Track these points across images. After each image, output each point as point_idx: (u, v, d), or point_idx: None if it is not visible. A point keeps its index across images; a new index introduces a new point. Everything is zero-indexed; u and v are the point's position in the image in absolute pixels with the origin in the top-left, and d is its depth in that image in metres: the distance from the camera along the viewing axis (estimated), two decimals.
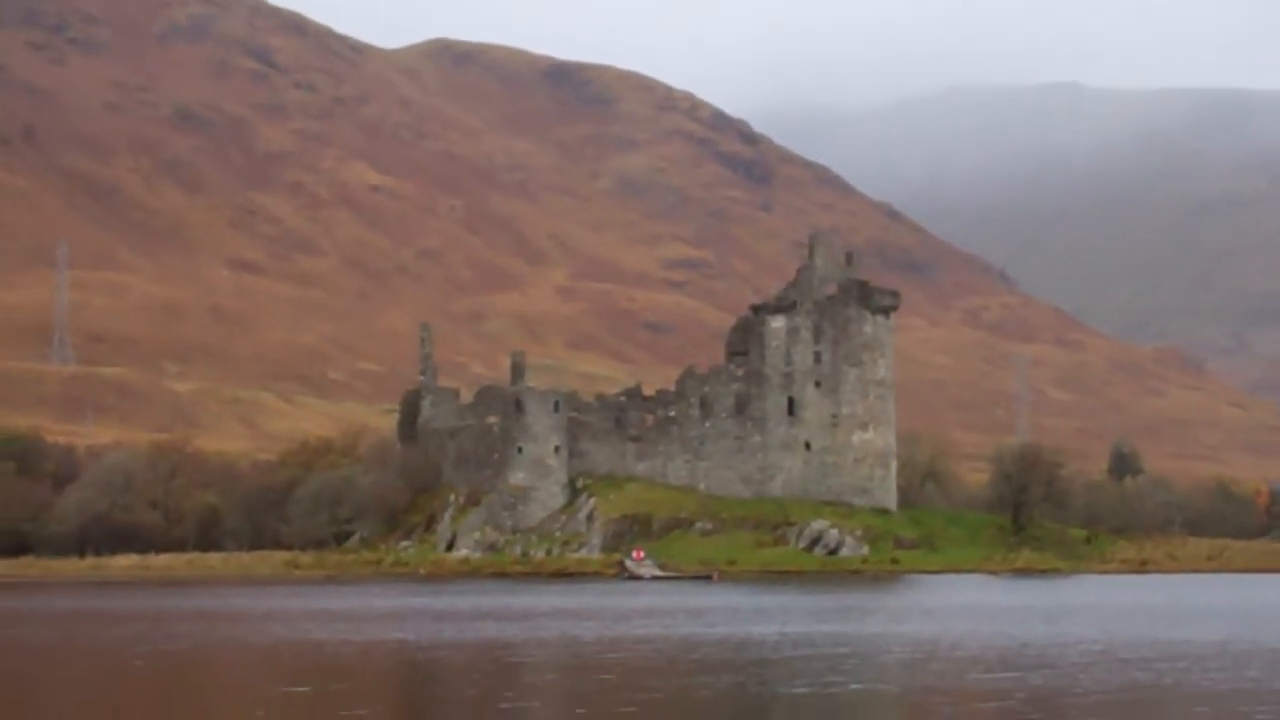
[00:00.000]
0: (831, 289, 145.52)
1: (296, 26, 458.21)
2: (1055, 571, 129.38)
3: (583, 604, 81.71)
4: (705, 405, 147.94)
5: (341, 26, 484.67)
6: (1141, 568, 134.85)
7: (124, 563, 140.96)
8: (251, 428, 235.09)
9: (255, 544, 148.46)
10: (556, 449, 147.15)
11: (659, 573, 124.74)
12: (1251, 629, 57.99)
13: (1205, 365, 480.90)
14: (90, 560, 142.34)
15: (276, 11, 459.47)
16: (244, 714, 33.78)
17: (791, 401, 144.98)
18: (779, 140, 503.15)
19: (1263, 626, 59.44)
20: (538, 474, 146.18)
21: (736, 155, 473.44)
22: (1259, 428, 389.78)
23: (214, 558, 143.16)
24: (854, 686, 37.50)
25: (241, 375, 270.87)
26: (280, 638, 56.27)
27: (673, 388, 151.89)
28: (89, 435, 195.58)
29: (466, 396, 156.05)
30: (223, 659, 48.13)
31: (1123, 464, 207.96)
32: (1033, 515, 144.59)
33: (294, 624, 64.63)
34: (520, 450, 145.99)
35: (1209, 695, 35.60)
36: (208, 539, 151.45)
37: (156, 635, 58.51)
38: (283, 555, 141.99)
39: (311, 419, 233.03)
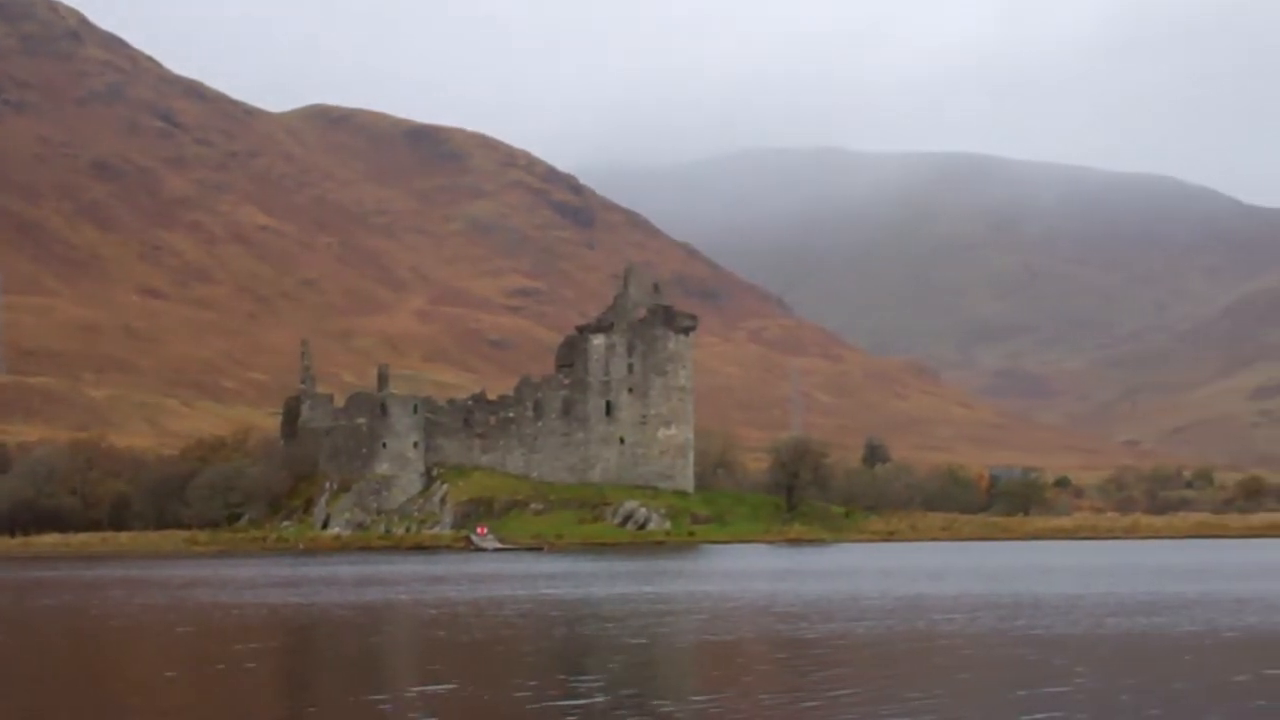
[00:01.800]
0: (642, 313, 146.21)
1: (197, 92, 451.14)
2: (820, 540, 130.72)
3: (449, 571, 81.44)
4: (538, 408, 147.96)
5: (235, 93, 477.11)
6: (889, 536, 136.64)
7: (48, 540, 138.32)
8: (157, 427, 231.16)
9: (159, 525, 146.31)
10: (415, 444, 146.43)
11: (499, 545, 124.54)
12: (980, 585, 59.12)
13: (939, 375, 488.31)
14: (19, 539, 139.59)
15: (180, 79, 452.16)
16: (161, 667, 33.33)
17: (609, 404, 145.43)
18: (600, 191, 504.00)
19: (988, 584, 60.64)
20: (399, 465, 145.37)
21: (566, 203, 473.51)
22: (982, 425, 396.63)
23: (124, 536, 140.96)
24: (686, 636, 37.75)
25: (148, 383, 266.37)
26: (198, 601, 55.59)
27: (512, 394, 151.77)
28: (18, 434, 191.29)
29: (339, 401, 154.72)
30: (149, 620, 47.27)
31: (874, 454, 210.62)
32: (803, 495, 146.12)
33: (213, 590, 63.81)
34: (384, 445, 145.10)
35: (958, 635, 36.30)
36: (119, 520, 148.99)
37: (104, 599, 57.68)
38: (183, 534, 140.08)
39: (208, 420, 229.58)
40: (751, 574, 71.99)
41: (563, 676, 28.61)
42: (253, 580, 74.53)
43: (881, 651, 33.36)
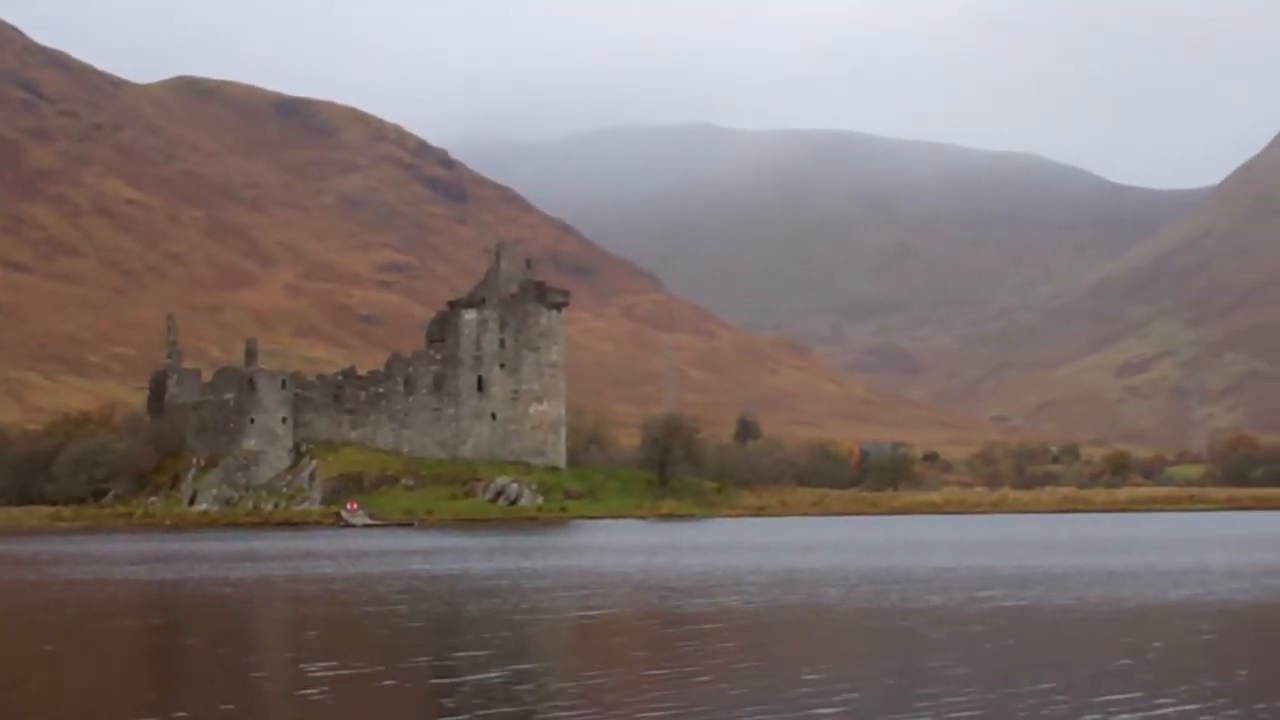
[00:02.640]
0: (514, 288, 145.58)
1: (61, 62, 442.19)
2: (693, 516, 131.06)
3: (322, 547, 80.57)
4: (409, 383, 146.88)
5: (101, 63, 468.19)
6: (760, 512, 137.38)
7: None
8: (21, 402, 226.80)
9: (23, 501, 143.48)
10: (284, 420, 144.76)
11: (369, 521, 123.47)
12: (853, 559, 59.45)
13: (810, 351, 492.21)
14: None
15: (43, 49, 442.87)
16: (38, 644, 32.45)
17: (480, 380, 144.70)
18: (471, 166, 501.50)
19: (861, 558, 61.02)
20: (267, 440, 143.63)
21: (437, 177, 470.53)
22: (852, 400, 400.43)
23: None
24: (579, 609, 37.46)
25: (11, 358, 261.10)
26: (70, 577, 54.33)
27: (382, 369, 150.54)
28: None
29: (207, 376, 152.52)
30: (20, 598, 46.10)
31: (746, 430, 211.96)
32: (675, 471, 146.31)
33: (84, 567, 62.44)
34: (252, 421, 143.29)
35: (836, 609, 36.37)
36: None
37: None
38: (47, 509, 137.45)
39: (73, 395, 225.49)
40: (627, 549, 71.92)
41: (450, 652, 28.20)
42: (125, 556, 73.23)
43: (763, 624, 33.33)
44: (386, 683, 24.04)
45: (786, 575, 49.44)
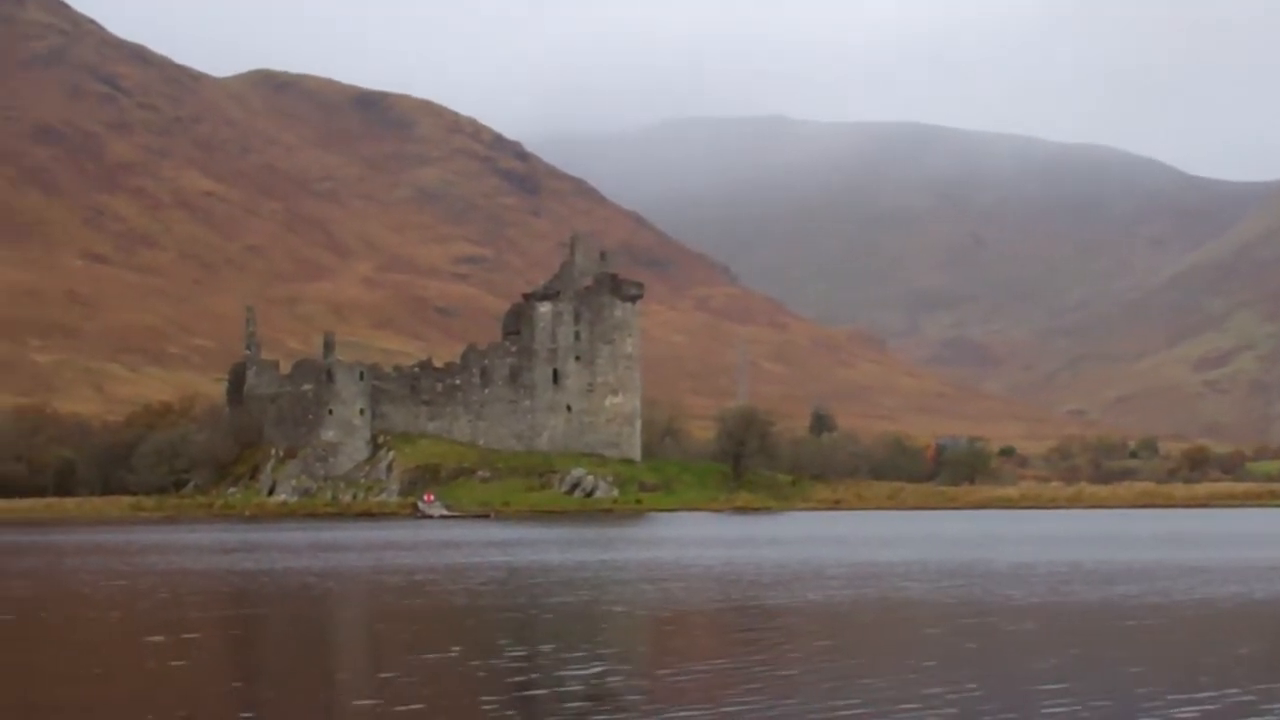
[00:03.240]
0: (589, 281, 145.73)
1: (141, 56, 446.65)
2: (767, 509, 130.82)
3: (404, 537, 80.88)
4: (485, 375, 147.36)
5: (180, 57, 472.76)
6: (835, 505, 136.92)
7: None
8: (102, 393, 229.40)
9: (105, 491, 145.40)
10: (361, 411, 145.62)
11: (446, 512, 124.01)
12: (929, 552, 59.11)
13: (885, 344, 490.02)
14: None
15: (123, 43, 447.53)
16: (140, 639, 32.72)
17: (555, 372, 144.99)
18: (546, 158, 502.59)
19: (939, 549, 60.66)
20: (345, 432, 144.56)
21: (512, 170, 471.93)
22: (928, 394, 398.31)
23: (70, 502, 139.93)
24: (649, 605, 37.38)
25: (93, 349, 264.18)
26: (166, 568, 54.83)
27: (458, 361, 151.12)
28: None
29: (285, 368, 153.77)
30: (116, 588, 46.46)
31: (820, 423, 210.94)
32: (749, 464, 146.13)
33: (173, 556, 63.03)
34: (330, 412, 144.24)
35: (913, 603, 36.10)
36: (64, 487, 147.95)
37: (69, 565, 56.75)
38: (129, 500, 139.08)
39: (153, 386, 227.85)
40: (705, 542, 71.72)
41: (540, 644, 28.16)
42: (210, 545, 73.85)
43: (848, 618, 33.14)
44: (501, 675, 23.99)
45: (868, 569, 49.16)
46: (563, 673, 23.98)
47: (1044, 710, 20.12)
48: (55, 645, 29.82)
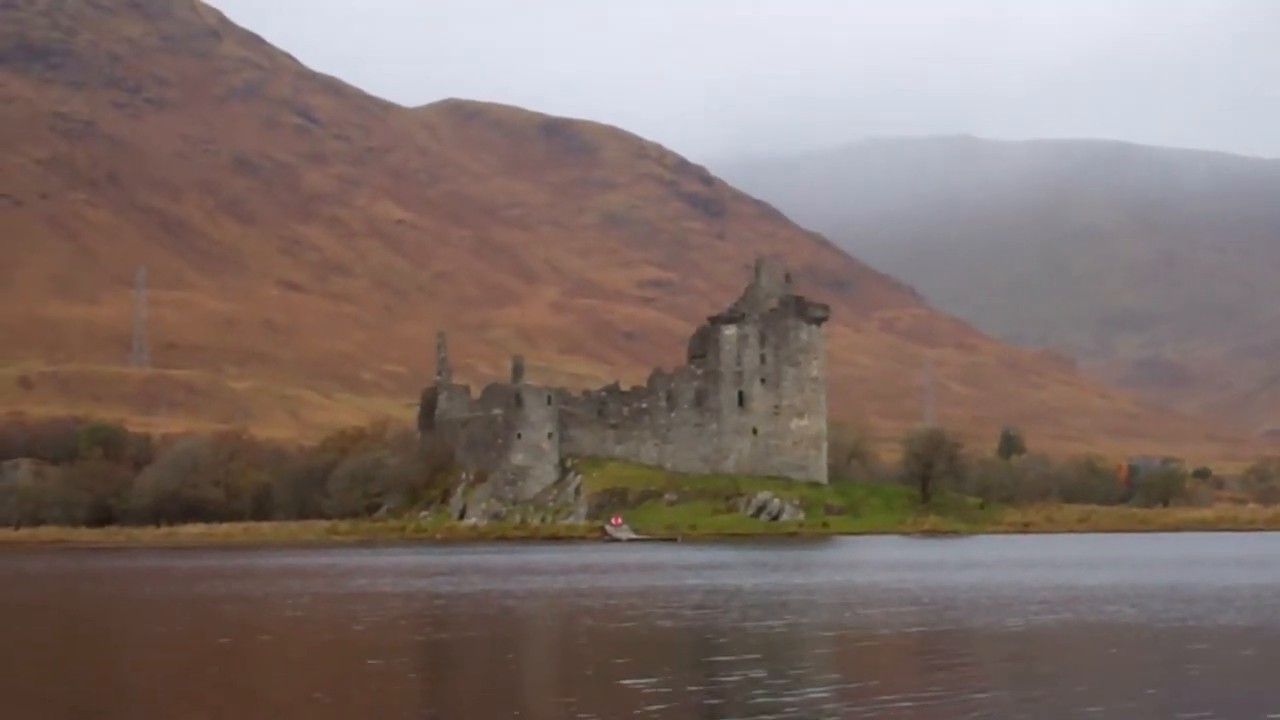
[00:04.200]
0: (774, 303, 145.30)
1: (334, 88, 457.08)
2: (956, 532, 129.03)
3: (594, 561, 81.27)
4: (671, 398, 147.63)
5: (371, 88, 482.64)
6: (1025, 528, 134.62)
7: (193, 530, 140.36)
8: (297, 419, 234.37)
9: (301, 515, 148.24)
10: (550, 435, 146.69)
11: (633, 535, 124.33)
12: (1131, 574, 57.94)
13: (1076, 364, 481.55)
14: (164, 529, 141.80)
15: (316, 75, 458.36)
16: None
17: (741, 395, 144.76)
18: (730, 182, 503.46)
19: (1137, 572, 59.41)
20: (534, 455, 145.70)
21: (696, 194, 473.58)
22: (1120, 415, 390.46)
23: (266, 526, 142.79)
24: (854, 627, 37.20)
25: (289, 376, 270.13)
26: (378, 590, 55.84)
27: (645, 385, 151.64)
28: (163, 426, 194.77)
29: (475, 393, 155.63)
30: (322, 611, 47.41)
31: (1009, 444, 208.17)
32: (937, 486, 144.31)
33: (382, 579, 64.09)
34: (519, 436, 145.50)
35: (1103, 626, 35.41)
36: (261, 511, 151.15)
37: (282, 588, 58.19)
38: (324, 524, 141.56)
39: (347, 412, 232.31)
40: (899, 565, 70.76)
41: (751, 670, 27.92)
42: (412, 568, 74.81)
43: (1060, 641, 32.65)
44: (709, 701, 23.97)
45: (1067, 592, 48.21)
46: (783, 698, 23.86)
47: None
48: (280, 668, 30.59)
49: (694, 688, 25.36)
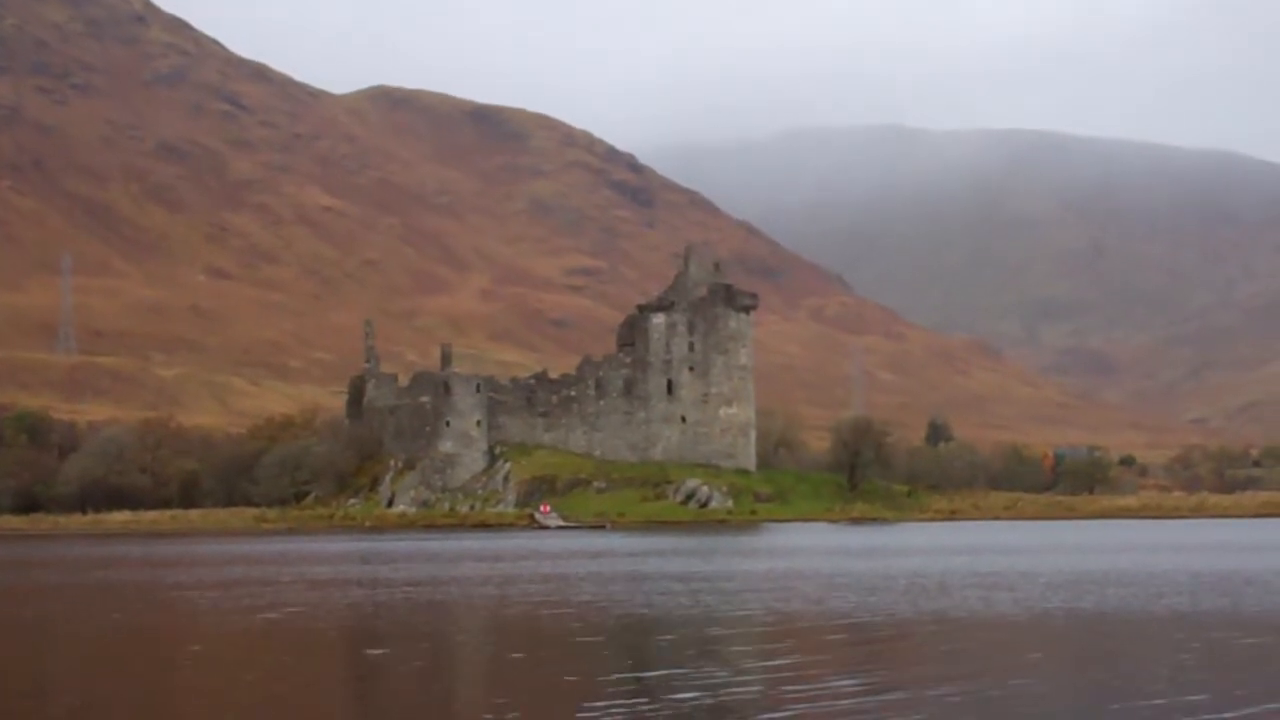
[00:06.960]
0: (703, 291, 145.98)
1: (261, 74, 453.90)
2: (883, 519, 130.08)
3: (531, 547, 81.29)
4: (600, 386, 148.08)
5: (299, 75, 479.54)
6: (952, 516, 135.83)
7: (119, 518, 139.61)
8: (225, 406, 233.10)
9: (228, 502, 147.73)
10: (478, 423, 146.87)
11: (562, 523, 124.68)
12: (1049, 561, 58.76)
13: (1002, 353, 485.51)
14: (90, 516, 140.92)
15: (244, 61, 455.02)
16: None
17: (670, 383, 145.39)
18: (660, 170, 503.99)
19: (1055, 558, 60.26)
20: (462, 443, 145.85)
21: (625, 182, 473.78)
22: (1046, 403, 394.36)
23: (194, 514, 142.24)
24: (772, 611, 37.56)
25: (216, 363, 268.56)
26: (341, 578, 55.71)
27: (574, 372, 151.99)
28: (89, 413, 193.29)
29: (403, 381, 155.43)
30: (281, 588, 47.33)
31: (937, 433, 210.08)
32: (865, 474, 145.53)
33: (329, 566, 63.79)
34: (448, 424, 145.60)
35: (1034, 613, 35.96)
36: (188, 498, 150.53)
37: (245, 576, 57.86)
38: (252, 511, 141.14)
39: (275, 399, 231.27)
40: (837, 552, 70.68)
41: (751, 660, 27.67)
42: (339, 555, 74.46)
43: (1044, 626, 33.11)
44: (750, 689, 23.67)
45: (1071, 576, 48.51)
46: (793, 689, 23.94)
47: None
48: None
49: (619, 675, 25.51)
